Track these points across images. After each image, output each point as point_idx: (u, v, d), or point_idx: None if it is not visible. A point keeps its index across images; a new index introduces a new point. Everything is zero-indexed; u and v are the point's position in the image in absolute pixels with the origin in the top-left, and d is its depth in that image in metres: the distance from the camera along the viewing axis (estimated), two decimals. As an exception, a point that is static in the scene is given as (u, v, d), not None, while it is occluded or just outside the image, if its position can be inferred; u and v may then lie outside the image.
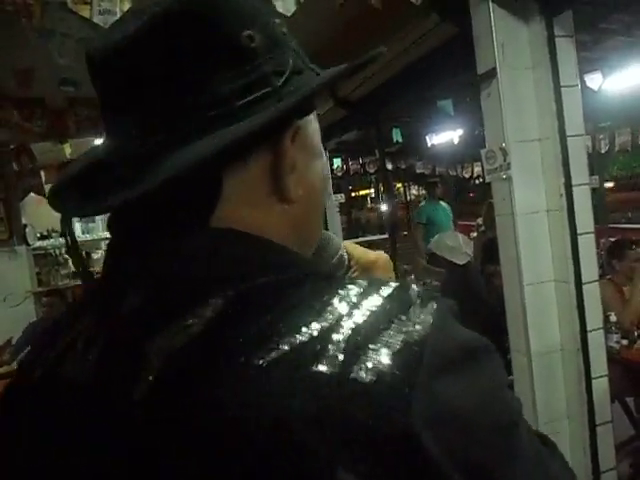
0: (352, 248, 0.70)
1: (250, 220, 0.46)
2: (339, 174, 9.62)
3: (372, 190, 13.28)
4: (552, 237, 2.60)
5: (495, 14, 2.50)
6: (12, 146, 5.34)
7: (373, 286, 0.38)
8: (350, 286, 0.39)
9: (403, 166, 10.82)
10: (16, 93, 4.24)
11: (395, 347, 0.34)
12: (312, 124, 0.53)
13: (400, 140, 6.50)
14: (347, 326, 0.35)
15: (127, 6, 2.01)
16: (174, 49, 0.43)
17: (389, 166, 9.73)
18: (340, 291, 0.38)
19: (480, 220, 6.72)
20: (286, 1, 2.24)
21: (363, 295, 0.38)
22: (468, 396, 0.35)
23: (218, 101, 0.44)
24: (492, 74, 2.54)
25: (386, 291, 0.38)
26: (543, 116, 2.55)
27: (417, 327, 0.35)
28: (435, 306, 0.37)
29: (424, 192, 13.63)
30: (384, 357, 0.34)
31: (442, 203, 6.38)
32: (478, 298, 4.08)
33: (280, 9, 2.34)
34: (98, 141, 5.54)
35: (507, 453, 0.36)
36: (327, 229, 4.43)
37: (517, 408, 0.39)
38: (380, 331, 0.35)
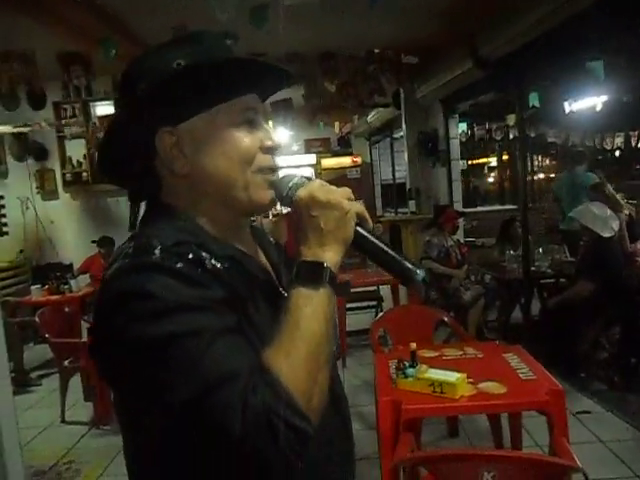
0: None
1: (166, 190, 0.81)
2: (463, 140, 9.24)
3: (491, 159, 12.55)
4: None
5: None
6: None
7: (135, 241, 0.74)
8: (131, 242, 0.74)
9: (532, 134, 10.12)
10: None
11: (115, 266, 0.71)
12: (205, 125, 0.78)
13: (537, 105, 6.07)
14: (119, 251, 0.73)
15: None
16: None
17: (516, 133, 9.15)
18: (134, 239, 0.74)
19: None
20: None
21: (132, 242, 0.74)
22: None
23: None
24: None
25: (134, 246, 0.72)
26: None
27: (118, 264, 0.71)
28: (126, 263, 0.70)
29: (554, 163, 12.70)
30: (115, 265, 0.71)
31: (590, 174, 5.67)
32: (616, 276, 3.79)
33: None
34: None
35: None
36: (451, 195, 4.25)
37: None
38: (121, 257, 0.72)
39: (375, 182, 10.91)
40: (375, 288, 5.70)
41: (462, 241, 5.76)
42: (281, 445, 0.61)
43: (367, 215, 0.76)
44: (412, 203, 6.65)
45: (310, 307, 0.69)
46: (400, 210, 8.98)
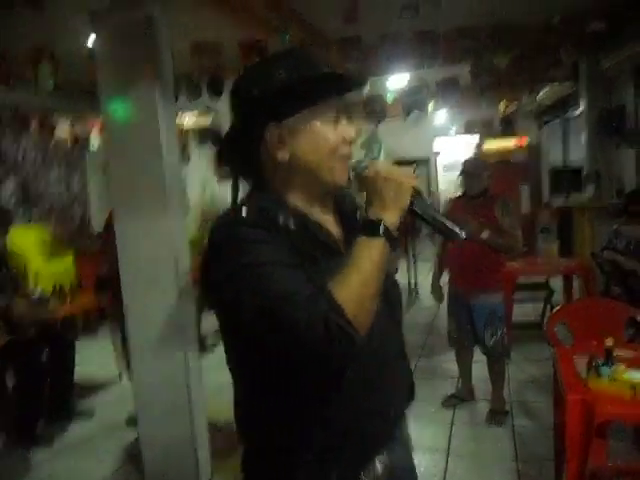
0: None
1: (267, 171, 1.06)
2: None
3: None
4: None
5: None
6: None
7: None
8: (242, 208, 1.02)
9: None
10: (335, 34, 4.59)
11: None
12: (306, 124, 1.01)
13: None
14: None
15: None
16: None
17: None
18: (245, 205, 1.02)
19: None
20: None
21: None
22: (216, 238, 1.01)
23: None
24: None
25: (231, 209, 1.04)
26: None
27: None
28: (225, 219, 1.02)
29: None
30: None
31: None
32: None
33: None
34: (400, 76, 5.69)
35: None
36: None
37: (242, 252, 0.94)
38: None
39: (542, 166, 10.07)
40: (544, 279, 5.29)
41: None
42: (333, 339, 0.84)
43: (420, 189, 0.98)
44: (590, 188, 6.00)
45: (366, 251, 0.91)
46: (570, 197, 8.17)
